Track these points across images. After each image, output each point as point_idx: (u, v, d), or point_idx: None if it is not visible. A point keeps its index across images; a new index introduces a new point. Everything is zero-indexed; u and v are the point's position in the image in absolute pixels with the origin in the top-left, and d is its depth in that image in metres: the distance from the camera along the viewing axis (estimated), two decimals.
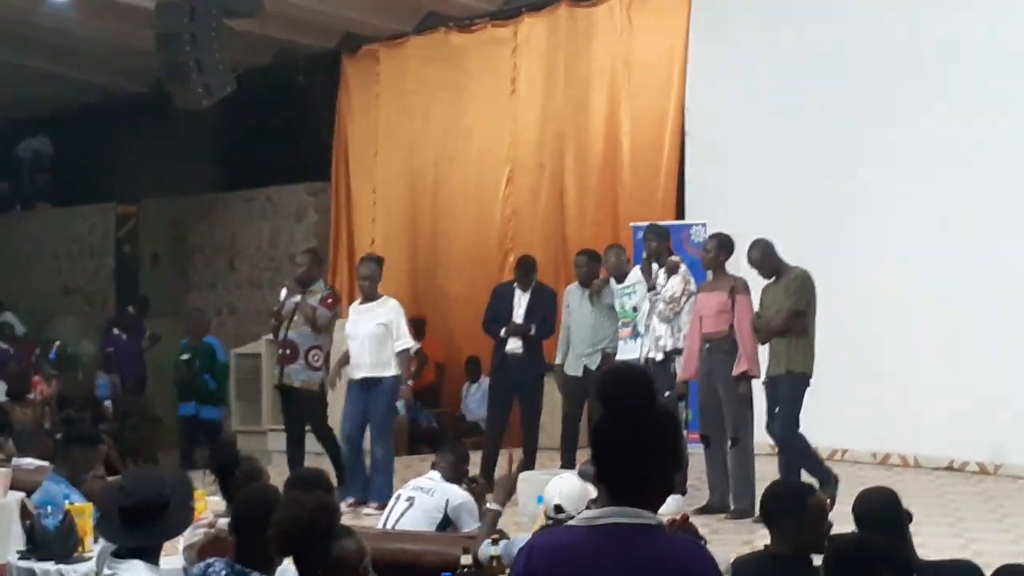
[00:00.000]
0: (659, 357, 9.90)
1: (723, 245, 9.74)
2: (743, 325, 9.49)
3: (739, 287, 9.59)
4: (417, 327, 15.64)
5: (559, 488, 5.90)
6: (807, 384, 9.30)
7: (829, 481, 9.07)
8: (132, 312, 17.85)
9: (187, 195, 19.20)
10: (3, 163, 22.65)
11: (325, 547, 4.13)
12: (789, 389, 9.26)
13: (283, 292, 10.94)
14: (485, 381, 14.26)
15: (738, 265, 9.86)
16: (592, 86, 14.91)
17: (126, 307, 18.44)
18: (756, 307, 9.56)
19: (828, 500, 8.46)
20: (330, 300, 10.86)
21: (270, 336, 14.23)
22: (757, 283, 9.70)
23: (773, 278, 9.46)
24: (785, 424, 9.25)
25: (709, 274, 9.89)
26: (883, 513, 5.40)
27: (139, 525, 4.93)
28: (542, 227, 15.25)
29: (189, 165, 18.40)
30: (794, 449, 9.25)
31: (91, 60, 18.10)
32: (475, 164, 16.02)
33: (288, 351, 10.67)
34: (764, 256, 9.42)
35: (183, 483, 5.49)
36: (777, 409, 9.35)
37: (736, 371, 9.46)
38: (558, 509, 5.71)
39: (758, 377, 9.54)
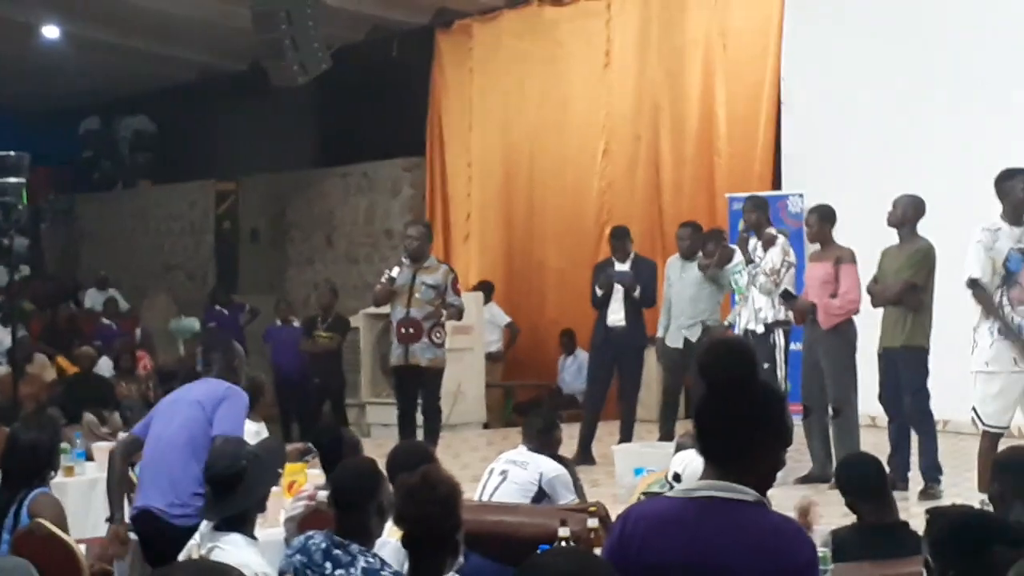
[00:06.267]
0: (759, 329, 9.83)
1: (825, 217, 9.66)
2: (848, 292, 9.42)
3: (845, 256, 9.52)
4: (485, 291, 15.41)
5: (686, 460, 5.83)
6: (927, 358, 9.14)
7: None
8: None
9: (285, 171, 19.41)
10: (105, 142, 23.04)
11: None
12: (912, 364, 9.09)
13: (395, 269, 10.40)
14: (581, 354, 14.27)
15: (842, 234, 9.77)
16: (686, 57, 14.80)
17: (225, 283, 18.66)
18: (864, 275, 9.47)
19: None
20: (459, 284, 10.74)
21: (368, 310, 14.34)
22: (867, 254, 9.60)
23: (898, 237, 9.30)
24: (916, 399, 9.09)
25: (814, 245, 9.85)
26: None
27: (219, 496, 5.04)
28: (638, 199, 15.20)
29: (286, 142, 18.60)
30: (927, 425, 9.13)
31: (189, 39, 18.29)
32: (570, 137, 16.00)
33: (411, 329, 10.23)
34: (907, 211, 9.21)
35: (269, 451, 5.57)
36: (898, 383, 9.21)
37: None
38: (676, 478, 5.68)
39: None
